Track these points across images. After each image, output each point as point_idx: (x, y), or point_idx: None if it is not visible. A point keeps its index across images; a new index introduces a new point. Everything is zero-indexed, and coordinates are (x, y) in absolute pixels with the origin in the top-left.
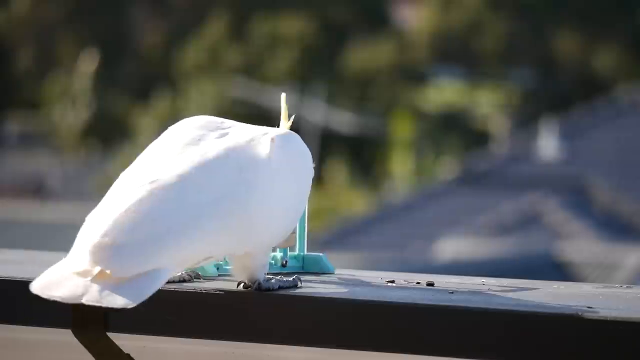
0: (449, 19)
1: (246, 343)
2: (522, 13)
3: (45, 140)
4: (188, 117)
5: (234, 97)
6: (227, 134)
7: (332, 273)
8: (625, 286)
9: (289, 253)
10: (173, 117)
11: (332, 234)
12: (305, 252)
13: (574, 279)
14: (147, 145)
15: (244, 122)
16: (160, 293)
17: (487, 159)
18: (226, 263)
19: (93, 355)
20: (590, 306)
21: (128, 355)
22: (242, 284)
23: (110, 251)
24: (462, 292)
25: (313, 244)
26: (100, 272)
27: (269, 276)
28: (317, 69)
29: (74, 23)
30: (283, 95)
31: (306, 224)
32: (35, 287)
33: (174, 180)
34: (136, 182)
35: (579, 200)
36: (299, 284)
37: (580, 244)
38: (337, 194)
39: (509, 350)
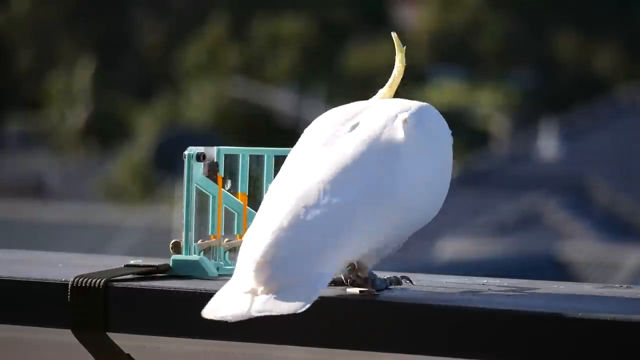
0: (449, 19)
1: (246, 343)
2: (522, 13)
3: (45, 140)
4: (188, 117)
5: (234, 97)
6: (358, 124)
7: None
8: (625, 286)
9: None
10: (173, 117)
11: None
12: None
13: (574, 279)
14: (146, 145)
15: (245, 122)
16: (161, 293)
17: (487, 159)
18: (227, 263)
19: (93, 355)
20: (590, 306)
21: (128, 355)
22: (354, 284)
23: (271, 269)
24: (462, 292)
25: None
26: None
27: (376, 273)
28: (317, 69)
29: (74, 23)
30: (394, 34)
31: None
32: (207, 312)
33: (319, 187)
34: (284, 195)
35: (579, 200)
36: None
37: (580, 244)
38: None
39: (509, 350)
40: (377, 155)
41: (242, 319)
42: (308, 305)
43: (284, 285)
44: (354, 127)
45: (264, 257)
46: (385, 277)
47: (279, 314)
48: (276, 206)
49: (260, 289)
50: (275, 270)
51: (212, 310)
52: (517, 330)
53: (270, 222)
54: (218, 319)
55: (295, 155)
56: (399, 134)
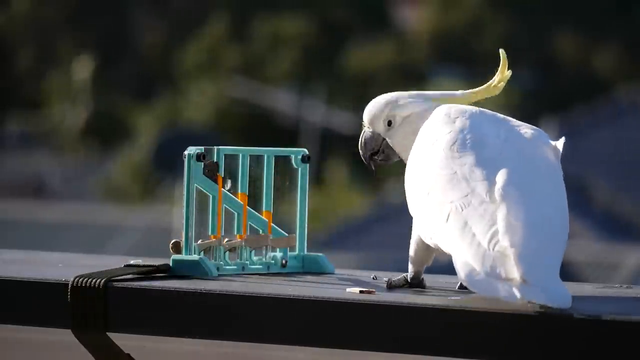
0: (449, 19)
1: (246, 343)
2: (522, 13)
3: (45, 140)
4: (188, 117)
5: (234, 97)
6: (509, 139)
7: (332, 273)
8: (625, 286)
9: (288, 253)
10: (173, 117)
11: (332, 234)
12: (305, 252)
13: (574, 279)
14: (146, 145)
15: (245, 122)
16: (161, 293)
17: None
18: (227, 263)
19: (93, 355)
20: (591, 306)
21: (128, 355)
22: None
23: (526, 265)
24: (463, 292)
25: (313, 244)
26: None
27: None
28: (317, 69)
29: (74, 23)
30: (502, 51)
31: (306, 224)
32: (478, 289)
33: (526, 190)
34: (482, 189)
35: (579, 200)
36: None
37: (580, 244)
38: (337, 194)
39: (509, 350)
40: (548, 167)
41: (512, 301)
42: (570, 303)
43: (542, 280)
44: (506, 140)
45: (518, 249)
46: None
47: (550, 306)
48: (486, 201)
49: (520, 280)
50: (532, 267)
51: (480, 289)
52: (517, 330)
53: (506, 219)
54: (489, 295)
55: (448, 153)
56: (549, 150)
